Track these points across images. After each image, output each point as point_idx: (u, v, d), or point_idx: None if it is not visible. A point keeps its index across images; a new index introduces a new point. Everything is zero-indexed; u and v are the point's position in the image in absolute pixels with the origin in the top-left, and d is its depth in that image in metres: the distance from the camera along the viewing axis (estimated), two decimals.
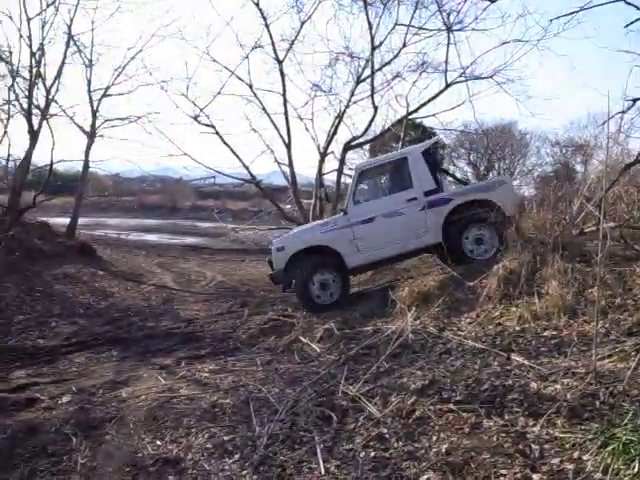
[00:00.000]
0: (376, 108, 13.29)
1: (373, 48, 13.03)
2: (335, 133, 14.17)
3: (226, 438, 3.86)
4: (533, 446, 2.99)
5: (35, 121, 13.59)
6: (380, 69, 13.38)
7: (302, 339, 6.22)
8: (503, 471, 2.84)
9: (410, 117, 14.15)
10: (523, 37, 11.71)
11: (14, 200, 12.79)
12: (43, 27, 13.82)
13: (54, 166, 14.87)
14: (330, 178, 15.16)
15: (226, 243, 19.42)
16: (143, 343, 6.92)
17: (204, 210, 29.67)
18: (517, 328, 4.81)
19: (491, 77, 12.42)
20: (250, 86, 13.75)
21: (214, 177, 15.83)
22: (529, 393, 3.59)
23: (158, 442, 3.94)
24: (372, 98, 13.21)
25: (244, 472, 3.39)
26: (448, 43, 12.36)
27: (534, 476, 2.75)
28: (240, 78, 13.73)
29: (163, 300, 9.91)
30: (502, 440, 3.11)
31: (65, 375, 5.73)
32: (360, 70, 13.57)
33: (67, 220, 15.76)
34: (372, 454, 3.30)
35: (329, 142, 14.25)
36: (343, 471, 3.19)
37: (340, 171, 14.29)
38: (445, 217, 7.27)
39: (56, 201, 18.07)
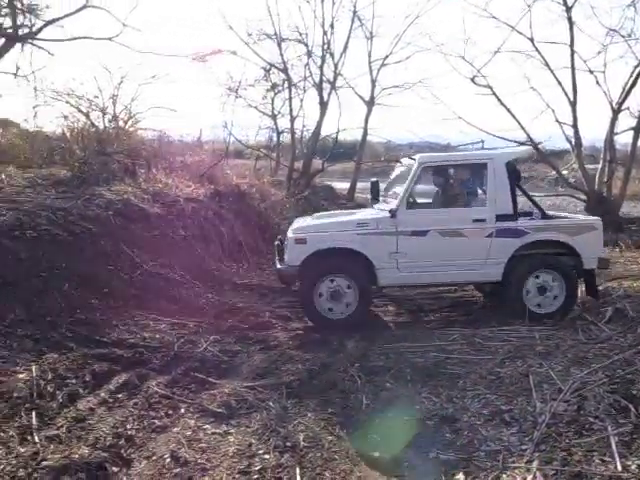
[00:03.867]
0: None
1: None
2: (634, 85, 12.20)
3: (503, 407, 3.77)
4: None
5: (324, 94, 15.09)
6: None
7: (587, 317, 5.63)
8: None
9: None
10: None
11: (307, 165, 14.60)
12: (333, 6, 15.15)
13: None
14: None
15: None
16: (416, 303, 7.20)
17: None
18: None
19: None
20: (531, 40, 12.73)
21: (482, 142, 15.28)
22: None
23: (434, 398, 4.07)
24: None
25: (524, 446, 3.26)
26: None
27: None
28: (520, 32, 12.83)
29: None
30: None
31: None
32: None
33: (345, 184, 17.29)
34: None
35: (625, 96, 12.35)
36: None
37: (638, 130, 12.30)
38: (513, 252, 5.93)
39: (336, 167, 19.89)
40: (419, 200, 6.20)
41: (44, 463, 3.14)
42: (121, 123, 13.50)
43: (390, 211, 5.91)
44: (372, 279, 5.97)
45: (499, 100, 13.07)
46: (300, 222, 6.58)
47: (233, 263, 8.24)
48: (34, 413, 3.65)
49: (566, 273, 5.96)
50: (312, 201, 12.79)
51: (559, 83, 12.50)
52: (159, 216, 7.53)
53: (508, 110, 13.00)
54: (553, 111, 12.68)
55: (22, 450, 3.27)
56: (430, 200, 6.32)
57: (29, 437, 3.43)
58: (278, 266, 6.09)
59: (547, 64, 12.61)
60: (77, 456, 3.20)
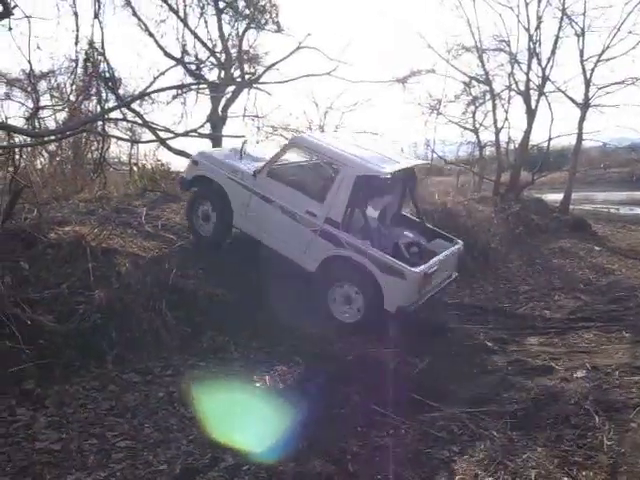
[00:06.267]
0: None
1: None
2: None
3: None
4: None
5: (531, 101, 14.15)
6: None
7: None
8: None
9: None
10: None
11: (515, 179, 13.82)
12: (538, 8, 14.17)
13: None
14: None
15: None
16: None
17: None
18: None
19: None
20: None
21: None
22: None
23: None
24: None
25: None
26: None
27: None
28: None
29: None
30: None
31: (575, 349, 5.71)
32: None
33: (555, 196, 15.90)
34: None
35: None
36: None
37: None
38: (326, 257, 6.01)
39: (544, 177, 18.35)
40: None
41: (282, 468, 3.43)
42: None
43: (254, 172, 6.44)
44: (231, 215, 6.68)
45: None
46: (213, 149, 7.68)
47: None
48: None
49: (365, 290, 5.84)
50: (522, 216, 11.97)
51: None
52: None
53: None
54: None
55: None
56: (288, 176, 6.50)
57: None
58: (180, 175, 7.46)
59: None
60: (310, 467, 3.42)
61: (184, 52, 11.39)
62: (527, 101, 14.13)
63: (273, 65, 12.14)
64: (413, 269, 5.73)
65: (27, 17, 4.81)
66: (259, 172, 6.41)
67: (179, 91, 9.92)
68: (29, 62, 5.41)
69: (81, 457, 3.51)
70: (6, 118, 5.58)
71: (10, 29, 4.91)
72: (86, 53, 8.37)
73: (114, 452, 3.60)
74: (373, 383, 4.78)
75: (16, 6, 4.57)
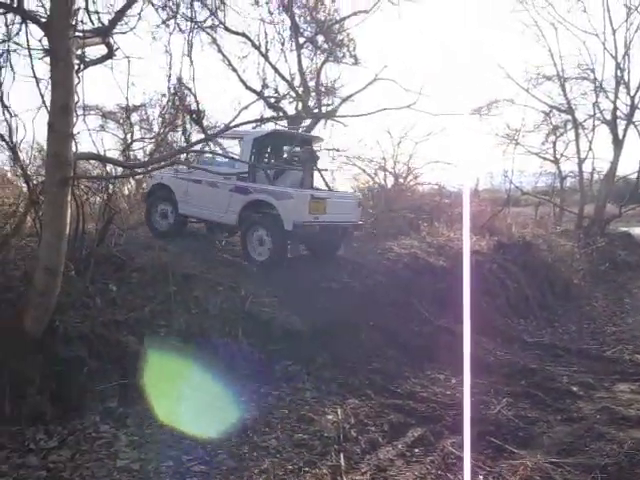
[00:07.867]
0: None
1: None
2: None
3: None
4: None
5: (618, 130, 13.51)
6: None
7: None
8: None
9: None
10: None
11: (600, 211, 13.12)
12: (626, 34, 13.63)
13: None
14: None
15: None
16: None
17: None
18: None
19: None
20: None
21: None
22: None
23: None
24: None
25: None
26: None
27: None
28: None
29: None
30: None
31: None
32: None
33: None
34: None
35: None
36: None
37: None
38: (242, 206, 7.25)
39: (632, 210, 17.33)
40: None
41: None
42: (401, 180, 14.42)
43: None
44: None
45: None
46: None
47: (520, 319, 7.74)
48: (342, 455, 3.94)
49: (271, 230, 6.96)
50: (607, 251, 11.31)
51: None
52: (444, 269, 7.63)
53: None
54: None
55: None
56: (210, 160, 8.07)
57: (338, 478, 3.70)
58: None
59: None
60: None
61: (264, 85, 11.85)
62: (613, 130, 13.52)
63: (349, 97, 12.35)
64: (300, 191, 7.14)
65: (127, 57, 5.17)
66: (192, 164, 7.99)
67: (259, 123, 10.33)
68: (126, 99, 5.77)
69: (158, 479, 3.60)
70: (104, 150, 6.01)
71: (111, 69, 5.30)
72: (175, 88, 8.91)
73: (188, 476, 3.66)
74: (449, 423, 4.62)
75: (118, 48, 4.92)
